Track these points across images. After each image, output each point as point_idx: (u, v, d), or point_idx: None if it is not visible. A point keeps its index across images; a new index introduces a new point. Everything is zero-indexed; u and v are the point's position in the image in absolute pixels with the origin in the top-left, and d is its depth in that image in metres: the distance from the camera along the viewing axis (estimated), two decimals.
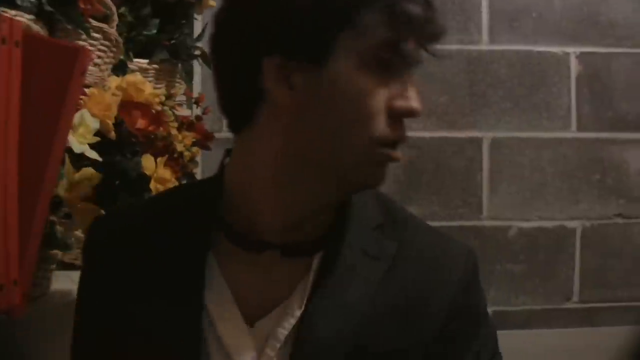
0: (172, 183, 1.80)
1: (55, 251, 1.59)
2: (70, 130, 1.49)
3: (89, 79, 1.69)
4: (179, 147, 1.94)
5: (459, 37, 3.01)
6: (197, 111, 2.30)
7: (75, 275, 1.29)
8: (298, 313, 1.13)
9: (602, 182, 3.12)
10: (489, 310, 2.90)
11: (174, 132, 1.91)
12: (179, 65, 2.19)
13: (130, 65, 2.01)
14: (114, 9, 1.75)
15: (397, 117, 1.08)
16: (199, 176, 2.22)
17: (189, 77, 2.24)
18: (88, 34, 1.59)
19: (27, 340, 1.51)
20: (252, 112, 1.11)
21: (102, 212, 1.57)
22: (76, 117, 1.52)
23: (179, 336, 1.13)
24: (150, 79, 2.07)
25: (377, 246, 1.19)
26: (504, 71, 3.06)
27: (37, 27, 1.43)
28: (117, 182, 1.72)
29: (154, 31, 2.13)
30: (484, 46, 3.04)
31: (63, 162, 1.47)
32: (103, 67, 1.76)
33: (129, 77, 1.79)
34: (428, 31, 1.08)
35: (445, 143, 2.98)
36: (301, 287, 1.15)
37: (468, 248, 1.26)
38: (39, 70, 1.21)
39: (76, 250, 1.64)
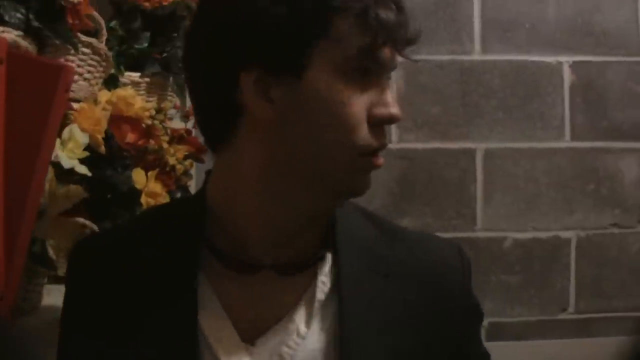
0: (163, 197, 1.82)
1: None
2: (60, 146, 1.51)
3: (79, 94, 1.71)
4: (171, 161, 1.95)
5: (451, 48, 3.02)
6: (189, 124, 2.32)
7: None
8: (304, 331, 1.14)
9: (596, 192, 3.12)
10: (485, 322, 2.92)
11: (165, 145, 1.93)
12: (171, 78, 2.20)
13: (122, 79, 2.03)
14: (102, 23, 1.77)
15: (378, 124, 1.10)
16: (193, 189, 2.22)
17: (180, 90, 2.25)
18: (76, 49, 1.61)
19: (18, 354, 1.51)
20: (229, 128, 1.12)
21: (87, 224, 1.57)
22: (65, 132, 1.54)
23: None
24: (142, 92, 2.09)
25: (381, 263, 1.21)
26: (497, 81, 3.07)
27: (25, 43, 1.45)
28: (108, 196, 1.73)
29: (145, 44, 2.15)
30: (477, 56, 3.05)
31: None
32: (93, 81, 1.77)
33: (119, 91, 1.80)
34: (402, 36, 1.10)
35: (438, 154, 2.99)
36: (303, 306, 1.16)
37: (457, 246, 1.30)
38: (23, 88, 1.24)
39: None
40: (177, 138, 1.96)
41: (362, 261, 1.19)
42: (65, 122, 1.59)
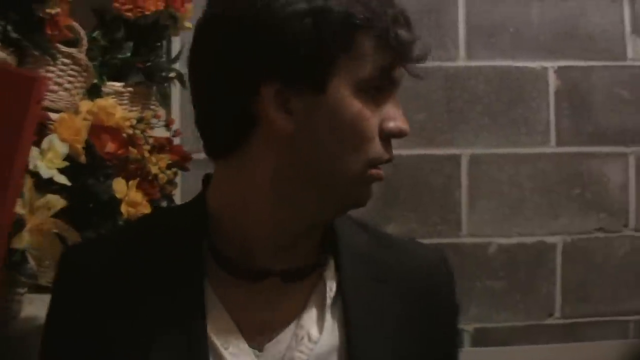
0: (144, 206, 1.83)
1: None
2: (39, 155, 1.53)
3: (59, 104, 1.73)
4: (154, 170, 1.97)
5: (436, 54, 3.01)
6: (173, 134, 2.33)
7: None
8: (317, 336, 1.17)
9: (582, 196, 3.14)
10: (470, 327, 2.93)
11: (147, 154, 1.94)
12: (154, 87, 2.22)
13: (105, 89, 2.04)
14: (83, 33, 1.79)
15: (387, 137, 1.14)
16: (178, 197, 2.24)
17: (164, 99, 2.27)
18: (54, 60, 1.63)
19: None
20: (241, 137, 1.13)
21: (69, 234, 1.59)
22: (45, 142, 1.56)
23: None
24: (125, 102, 2.10)
25: (377, 268, 1.26)
26: (482, 87, 3.09)
27: (3, 55, 1.47)
28: (90, 206, 1.75)
29: (128, 54, 2.16)
30: (461, 62, 3.07)
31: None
32: (74, 91, 1.79)
33: (100, 101, 1.82)
34: (415, 54, 1.13)
35: (423, 160, 2.99)
36: (310, 311, 1.19)
37: (441, 251, 1.37)
38: None
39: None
40: (159, 147, 1.97)
41: (360, 266, 1.23)
42: (45, 132, 1.61)
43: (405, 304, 1.25)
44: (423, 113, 3.01)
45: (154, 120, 2.11)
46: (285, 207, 1.15)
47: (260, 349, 1.16)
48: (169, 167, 2.05)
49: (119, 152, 1.79)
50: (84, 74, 1.82)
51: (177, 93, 2.81)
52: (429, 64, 1.16)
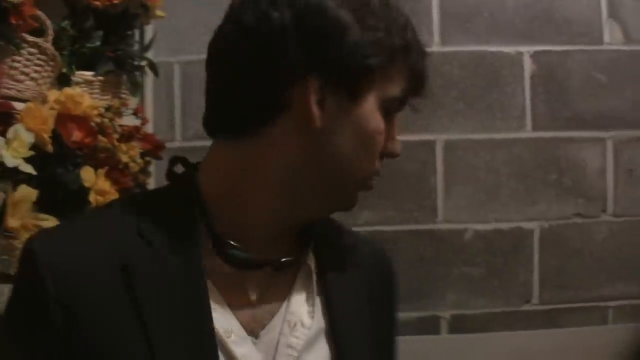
0: (113, 194, 1.87)
1: None
2: (4, 145, 1.57)
3: (25, 94, 1.77)
4: (124, 158, 2.00)
5: None
6: (149, 123, 2.37)
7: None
8: (309, 322, 1.27)
9: (559, 181, 3.15)
10: (447, 314, 2.97)
11: (116, 143, 1.98)
12: (124, 76, 2.26)
13: (75, 78, 2.08)
14: (48, 23, 1.82)
15: (383, 155, 1.25)
16: (152, 187, 2.26)
17: (135, 87, 2.31)
18: (18, 49, 1.67)
19: None
20: (270, 120, 1.19)
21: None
22: (10, 132, 1.60)
23: None
24: (96, 91, 2.14)
25: (346, 256, 1.37)
26: (457, 72, 3.10)
27: None
28: (60, 194, 1.79)
29: (98, 43, 2.20)
30: (436, 48, 3.08)
31: None
32: (41, 81, 1.83)
33: (67, 90, 1.86)
34: (425, 83, 1.26)
35: None
36: (300, 298, 1.28)
37: (382, 245, 1.51)
38: None
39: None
40: (127, 135, 2.01)
41: (334, 255, 1.34)
42: (11, 122, 1.65)
43: (367, 290, 1.37)
44: None
45: (122, 109, 2.14)
46: (288, 200, 1.22)
47: (256, 336, 1.23)
48: (142, 155, 2.09)
49: (86, 140, 1.82)
50: (51, 63, 1.85)
51: (150, 82, 2.84)
52: None
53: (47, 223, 1.63)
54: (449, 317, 3.06)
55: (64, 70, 2.03)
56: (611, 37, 3.20)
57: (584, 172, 3.17)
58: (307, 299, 1.29)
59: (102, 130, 1.92)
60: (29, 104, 1.71)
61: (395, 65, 1.19)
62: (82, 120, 1.81)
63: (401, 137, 1.26)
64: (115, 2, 2.18)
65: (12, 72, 1.75)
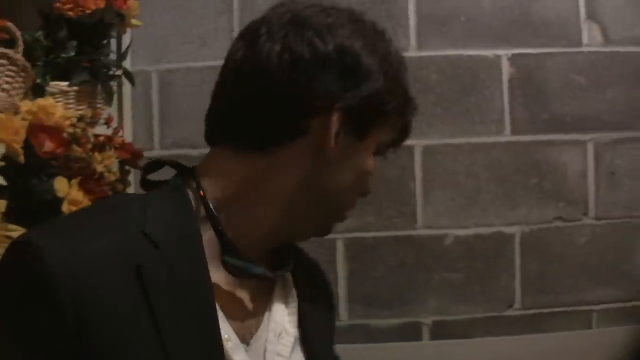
0: (86, 204, 1.90)
1: None
2: None
3: None
4: (99, 168, 2.03)
5: None
6: (127, 132, 2.39)
7: None
8: (294, 332, 1.36)
9: (539, 185, 3.16)
10: (429, 320, 2.99)
11: (90, 153, 2.01)
12: (99, 86, 2.29)
13: (50, 89, 2.11)
14: (18, 34, 1.85)
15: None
16: None
17: (110, 97, 2.34)
18: None
19: None
20: (283, 140, 1.27)
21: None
22: None
23: None
24: (71, 101, 2.17)
25: (305, 268, 1.48)
26: (434, 77, 3.12)
27: None
28: (34, 205, 1.82)
29: (72, 53, 2.23)
30: (413, 52, 3.10)
31: None
32: (12, 92, 1.86)
33: (40, 101, 1.89)
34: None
35: None
36: (282, 308, 1.37)
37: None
38: None
39: None
40: (99, 145, 2.03)
41: (299, 269, 1.43)
42: None
43: (324, 300, 1.50)
44: None
45: (96, 118, 2.16)
46: (288, 217, 1.30)
47: (247, 344, 1.29)
48: (120, 165, 2.12)
49: (58, 151, 1.85)
50: (22, 74, 1.88)
51: (128, 91, 2.87)
52: None
53: (16, 234, 1.65)
54: (431, 323, 3.08)
55: (39, 80, 2.06)
56: (590, 38, 3.22)
57: (565, 175, 3.18)
58: (287, 309, 1.37)
59: (76, 140, 1.94)
60: (0, 115, 1.73)
61: (393, 114, 1.31)
62: (54, 131, 1.83)
63: None
64: (88, 11, 2.20)
65: None
